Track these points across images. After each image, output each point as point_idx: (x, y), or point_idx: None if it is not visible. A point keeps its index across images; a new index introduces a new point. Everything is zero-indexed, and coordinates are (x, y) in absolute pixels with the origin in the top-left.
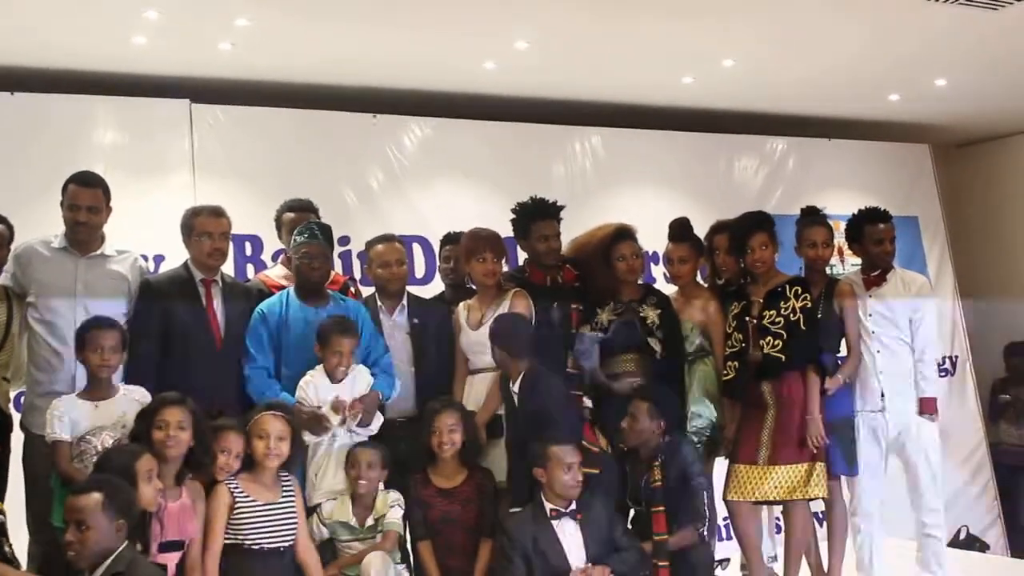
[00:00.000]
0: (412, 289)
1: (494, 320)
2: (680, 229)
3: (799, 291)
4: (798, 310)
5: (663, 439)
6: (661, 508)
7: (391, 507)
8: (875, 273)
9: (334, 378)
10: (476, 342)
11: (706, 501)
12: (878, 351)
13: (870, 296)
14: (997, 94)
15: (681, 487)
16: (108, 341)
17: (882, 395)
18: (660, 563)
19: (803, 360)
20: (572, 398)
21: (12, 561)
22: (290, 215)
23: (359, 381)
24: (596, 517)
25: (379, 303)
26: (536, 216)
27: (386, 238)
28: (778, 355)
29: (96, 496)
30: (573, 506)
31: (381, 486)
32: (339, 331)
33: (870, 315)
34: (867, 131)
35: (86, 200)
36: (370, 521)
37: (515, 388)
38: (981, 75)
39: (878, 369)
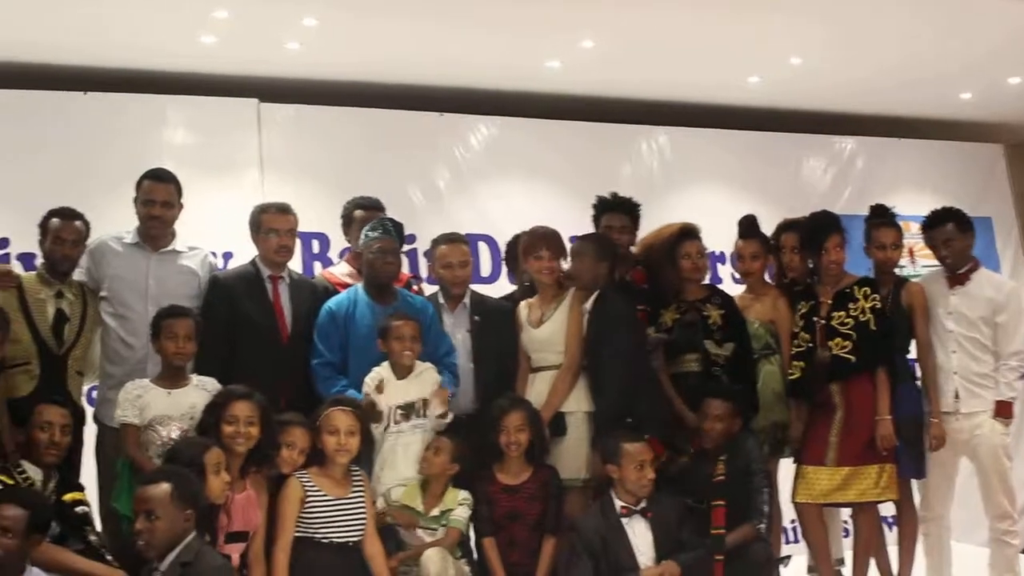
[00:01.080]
0: (478, 287)
1: (579, 238)
2: (750, 226)
3: (868, 292)
4: (868, 311)
5: None
6: (722, 503)
7: (460, 504)
8: (958, 272)
9: (399, 372)
10: (537, 340)
11: (766, 497)
12: (954, 351)
13: (952, 295)
14: None
15: (742, 483)
16: (183, 329)
17: (956, 396)
18: (716, 557)
19: (873, 362)
20: (641, 328)
21: (97, 551)
22: (360, 212)
23: (426, 378)
24: (665, 515)
25: (441, 301)
26: (605, 208)
27: (451, 238)
28: (848, 356)
29: (165, 486)
30: (643, 504)
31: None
32: (397, 318)
33: (950, 313)
34: (938, 130)
35: (160, 195)
36: (435, 511)
37: (587, 306)
38: None
39: (952, 369)
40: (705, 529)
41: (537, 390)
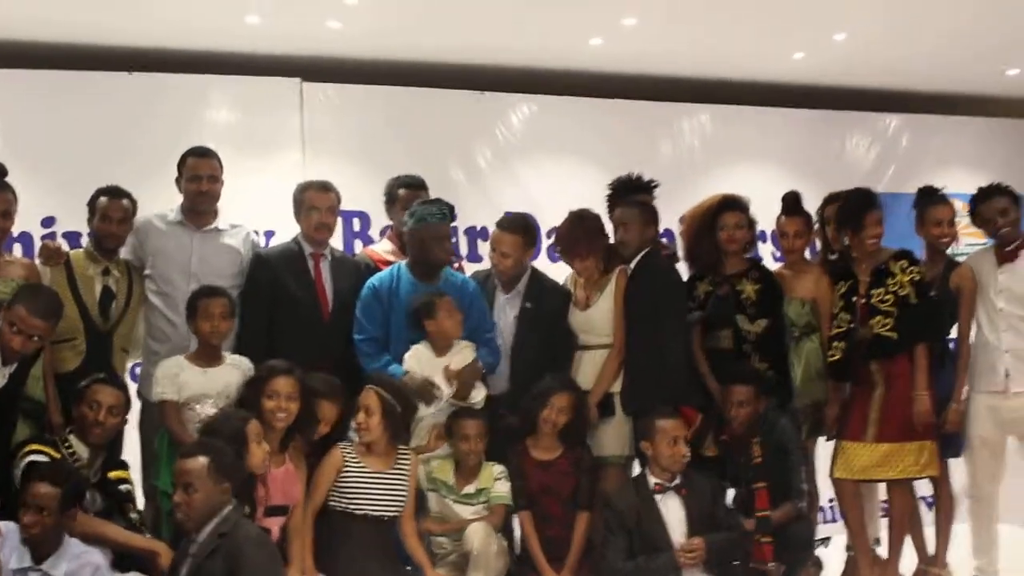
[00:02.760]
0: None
1: (622, 206)
2: (794, 203)
3: (905, 264)
4: (907, 284)
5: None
6: (763, 484)
7: (498, 479)
8: (1008, 248)
9: (439, 349)
10: (584, 321)
11: (804, 476)
12: (1004, 330)
13: (1001, 272)
14: None
15: (778, 462)
16: (218, 308)
17: (1006, 375)
18: (764, 539)
19: (916, 338)
20: (682, 288)
21: (138, 529)
22: (404, 191)
23: (465, 355)
24: (700, 492)
25: (496, 280)
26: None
27: (503, 225)
28: (889, 334)
29: (202, 460)
30: (677, 480)
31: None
32: (441, 295)
33: (1000, 291)
34: (984, 107)
35: (206, 170)
36: (470, 489)
37: (632, 266)
38: None
39: (1003, 348)
40: (747, 512)
41: (583, 370)
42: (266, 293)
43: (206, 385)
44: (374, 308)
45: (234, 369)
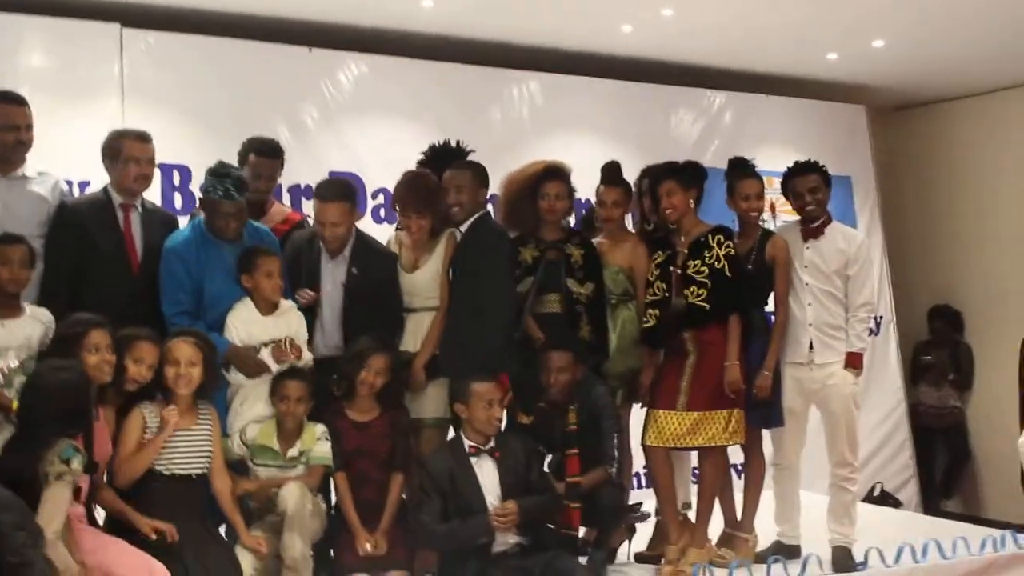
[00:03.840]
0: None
1: (453, 168)
2: (613, 172)
3: (721, 239)
4: (722, 258)
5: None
6: (575, 451)
7: (319, 440)
8: (813, 225)
9: (264, 309)
10: (410, 283)
11: (616, 443)
12: (809, 303)
13: (807, 248)
14: (934, 59)
15: (592, 429)
16: (16, 255)
17: (811, 347)
18: (572, 505)
19: (728, 310)
20: (513, 254)
21: None
22: (254, 158)
23: (291, 317)
24: (514, 456)
25: (320, 244)
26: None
27: (327, 196)
28: (702, 304)
29: None
30: (492, 444)
31: (305, 418)
32: (264, 253)
33: (805, 266)
34: (804, 89)
35: (20, 119)
36: (293, 452)
37: (463, 229)
38: (919, 39)
39: (807, 321)
40: (560, 477)
41: (409, 330)
42: (71, 244)
43: (6, 338)
44: (179, 273)
45: (35, 321)
